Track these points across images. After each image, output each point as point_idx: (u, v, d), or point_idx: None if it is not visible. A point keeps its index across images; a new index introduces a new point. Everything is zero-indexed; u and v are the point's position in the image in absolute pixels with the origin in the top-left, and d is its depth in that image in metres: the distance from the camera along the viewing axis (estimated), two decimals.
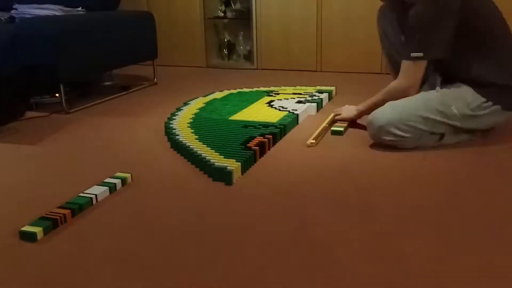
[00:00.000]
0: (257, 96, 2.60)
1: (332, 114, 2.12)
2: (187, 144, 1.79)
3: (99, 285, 1.00)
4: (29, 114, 2.44)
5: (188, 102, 2.50)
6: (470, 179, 1.50)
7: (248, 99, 2.53)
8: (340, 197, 1.39)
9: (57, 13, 2.68)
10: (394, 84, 1.81)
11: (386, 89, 1.84)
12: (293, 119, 2.09)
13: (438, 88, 1.76)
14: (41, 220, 1.25)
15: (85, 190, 1.44)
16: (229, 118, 2.17)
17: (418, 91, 1.76)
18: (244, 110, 2.31)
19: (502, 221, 1.23)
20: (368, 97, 1.96)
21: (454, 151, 1.73)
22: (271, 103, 2.42)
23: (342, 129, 1.96)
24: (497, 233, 1.17)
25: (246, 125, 2.04)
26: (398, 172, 1.56)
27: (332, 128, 1.97)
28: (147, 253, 1.12)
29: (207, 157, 1.62)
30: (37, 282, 1.02)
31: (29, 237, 1.19)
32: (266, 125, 2.03)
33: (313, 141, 1.82)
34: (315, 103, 2.34)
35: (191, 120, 2.15)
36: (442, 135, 1.75)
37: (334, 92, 2.70)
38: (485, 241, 1.13)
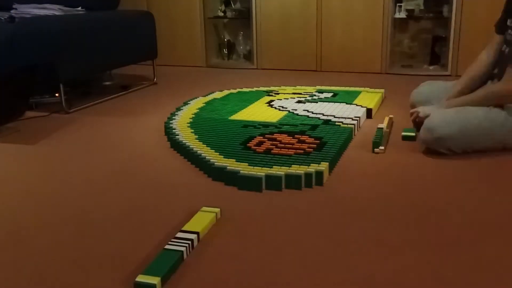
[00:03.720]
0: (257, 96, 2.60)
1: (388, 117, 2.06)
2: (187, 144, 1.79)
3: None
4: (29, 113, 2.44)
5: (188, 102, 2.50)
6: None
7: (248, 99, 2.53)
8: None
9: (56, 13, 2.68)
10: (497, 87, 1.70)
11: (485, 92, 1.74)
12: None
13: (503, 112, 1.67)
14: None
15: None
16: (229, 118, 2.16)
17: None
18: (244, 110, 2.30)
19: None
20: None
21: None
22: (271, 103, 2.42)
23: (414, 134, 1.86)
24: None
25: (246, 125, 2.04)
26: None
27: (404, 133, 1.89)
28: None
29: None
30: None
31: None
32: (266, 125, 2.03)
33: (382, 147, 1.75)
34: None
35: (191, 120, 2.15)
36: None
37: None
38: None
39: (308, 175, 1.47)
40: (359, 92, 2.61)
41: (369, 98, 2.45)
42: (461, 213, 1.27)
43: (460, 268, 1.02)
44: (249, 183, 1.46)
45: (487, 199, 1.36)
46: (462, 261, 1.05)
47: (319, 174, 1.47)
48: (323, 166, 1.52)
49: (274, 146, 1.74)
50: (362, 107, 2.27)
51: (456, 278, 0.99)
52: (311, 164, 1.53)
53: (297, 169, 1.49)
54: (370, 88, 2.71)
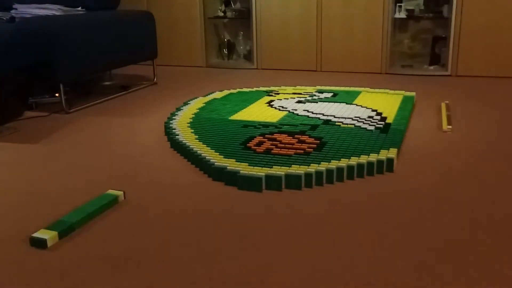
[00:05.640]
0: (257, 96, 2.60)
1: (444, 103, 2.15)
2: (187, 144, 1.79)
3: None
4: (29, 114, 2.44)
5: (188, 102, 2.50)
6: None
7: (248, 99, 2.53)
8: None
9: (56, 13, 2.68)
10: None
11: None
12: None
13: None
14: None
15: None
16: (229, 118, 2.17)
17: None
18: (244, 110, 2.30)
19: None
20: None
21: None
22: (271, 103, 2.42)
23: None
24: None
25: (246, 125, 2.04)
26: None
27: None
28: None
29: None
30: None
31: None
32: (266, 125, 2.03)
33: (450, 126, 1.90)
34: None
35: (191, 120, 2.15)
36: None
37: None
38: None
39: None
40: (359, 92, 2.62)
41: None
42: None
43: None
44: (249, 183, 1.46)
45: None
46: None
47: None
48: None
49: (274, 146, 1.74)
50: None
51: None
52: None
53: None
54: (370, 88, 2.71)
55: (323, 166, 1.52)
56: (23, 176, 1.63)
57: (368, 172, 1.55)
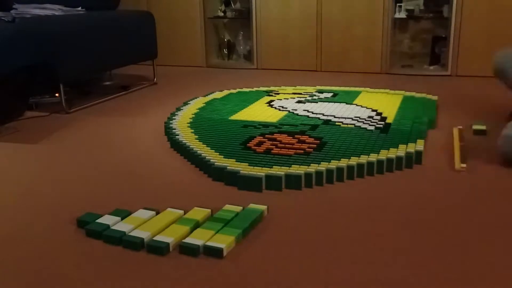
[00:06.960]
0: (257, 96, 2.60)
1: (457, 128, 1.86)
2: (187, 144, 1.79)
3: None
4: (29, 113, 2.44)
5: (188, 102, 2.50)
6: None
7: (248, 99, 2.53)
8: None
9: (57, 13, 2.68)
10: None
11: None
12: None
13: None
14: None
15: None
16: (229, 118, 2.17)
17: None
18: (244, 110, 2.31)
19: None
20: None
21: None
22: (271, 103, 2.42)
23: (484, 127, 1.87)
24: None
25: (246, 125, 2.04)
26: None
27: (475, 127, 1.89)
28: None
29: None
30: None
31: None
32: (266, 125, 2.03)
33: (464, 165, 1.55)
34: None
35: (191, 120, 2.15)
36: None
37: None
38: None
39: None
40: (359, 92, 2.62)
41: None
42: None
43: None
44: (249, 183, 1.46)
45: None
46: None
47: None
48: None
49: (274, 146, 1.74)
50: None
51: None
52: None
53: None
54: (370, 88, 2.71)
55: (323, 166, 1.52)
56: (23, 176, 1.63)
57: (368, 172, 1.55)
